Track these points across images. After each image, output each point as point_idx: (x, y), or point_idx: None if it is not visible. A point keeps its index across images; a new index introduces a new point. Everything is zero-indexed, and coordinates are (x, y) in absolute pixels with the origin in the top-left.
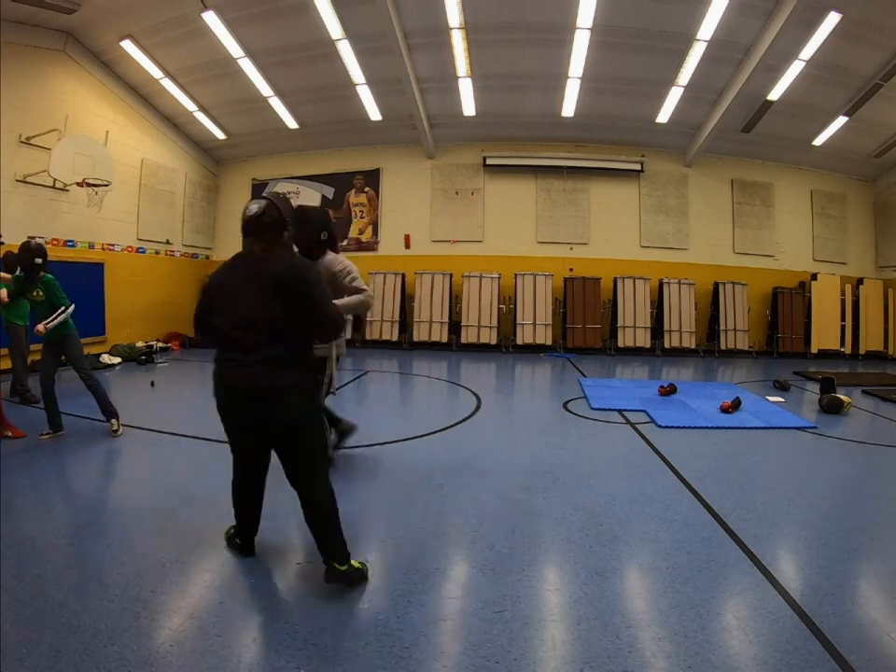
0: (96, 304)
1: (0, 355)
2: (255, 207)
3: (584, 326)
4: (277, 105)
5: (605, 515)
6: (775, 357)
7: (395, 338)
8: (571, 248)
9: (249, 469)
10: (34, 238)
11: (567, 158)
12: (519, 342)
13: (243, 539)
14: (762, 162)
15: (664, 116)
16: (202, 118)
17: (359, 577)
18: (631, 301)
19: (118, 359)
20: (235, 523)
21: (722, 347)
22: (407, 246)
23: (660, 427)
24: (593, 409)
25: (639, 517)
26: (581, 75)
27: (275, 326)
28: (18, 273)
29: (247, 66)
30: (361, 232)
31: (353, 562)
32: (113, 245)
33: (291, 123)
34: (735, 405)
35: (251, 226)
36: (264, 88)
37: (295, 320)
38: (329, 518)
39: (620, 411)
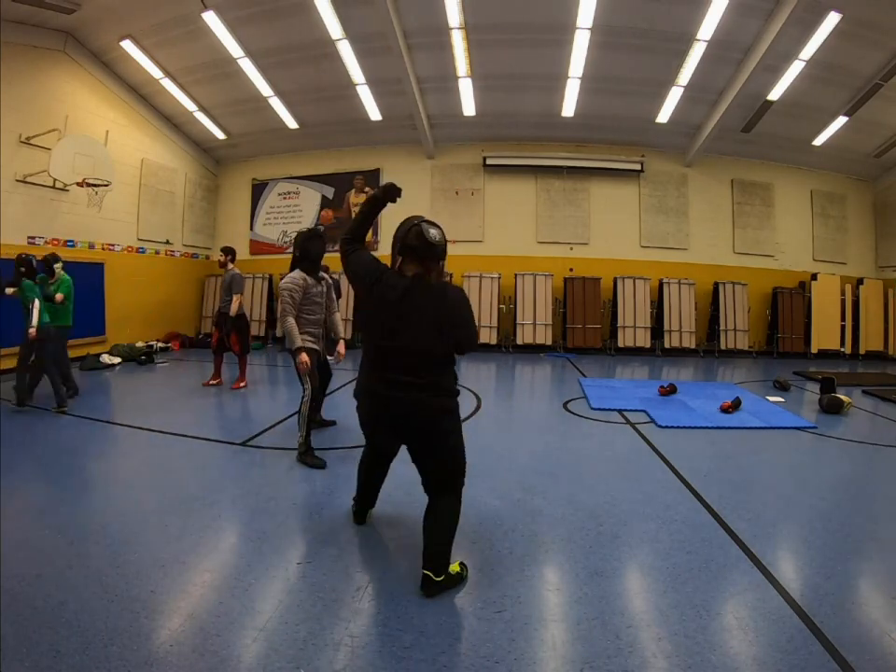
0: (96, 304)
1: (1, 355)
2: (438, 233)
3: (584, 326)
4: (277, 105)
5: (605, 515)
6: (775, 357)
7: None
8: (571, 248)
9: (383, 460)
10: (32, 239)
11: (567, 158)
12: (519, 342)
13: (360, 509)
14: (762, 162)
15: (664, 116)
16: (202, 118)
17: (457, 580)
18: (631, 300)
19: (118, 359)
20: (357, 495)
21: (722, 347)
22: None
23: (660, 427)
24: (593, 409)
25: (639, 517)
26: (580, 75)
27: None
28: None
29: (247, 66)
30: None
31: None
32: (113, 245)
33: (291, 123)
34: (735, 405)
35: (438, 251)
36: (264, 88)
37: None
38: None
39: (620, 411)
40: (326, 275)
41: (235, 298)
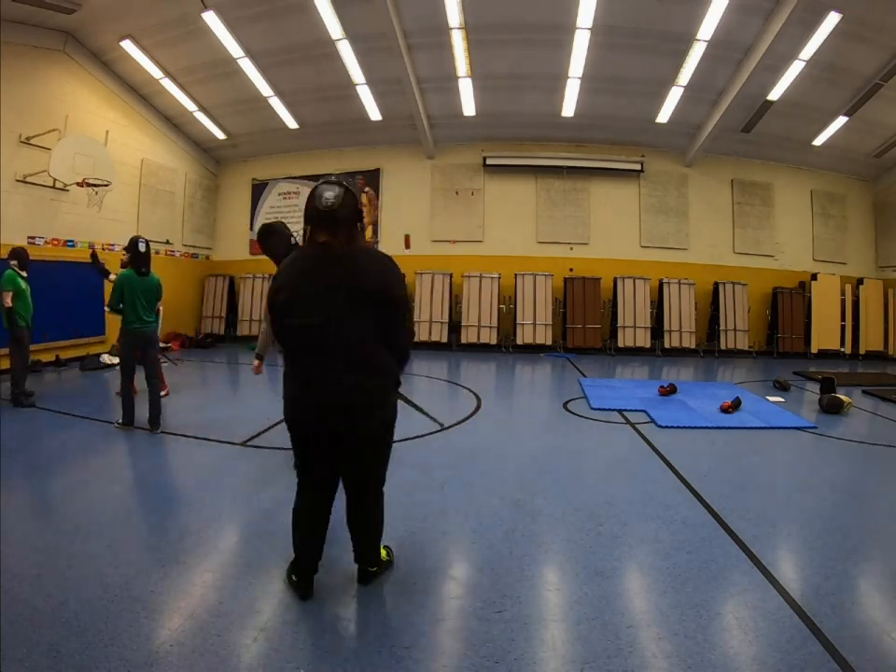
0: (96, 304)
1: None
2: (333, 195)
3: (584, 326)
4: (277, 104)
5: (605, 515)
6: (775, 357)
7: None
8: (571, 248)
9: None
10: (32, 239)
11: (566, 158)
12: (519, 342)
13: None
14: (762, 162)
15: (664, 116)
16: (202, 118)
17: (388, 566)
18: (631, 300)
19: (117, 359)
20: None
21: (722, 347)
22: (407, 247)
23: (660, 426)
24: (593, 409)
25: (639, 517)
26: (580, 75)
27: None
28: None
29: (247, 66)
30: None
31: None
32: (113, 245)
33: (291, 123)
34: (735, 405)
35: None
36: (264, 88)
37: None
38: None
39: (620, 411)
40: None
41: None
